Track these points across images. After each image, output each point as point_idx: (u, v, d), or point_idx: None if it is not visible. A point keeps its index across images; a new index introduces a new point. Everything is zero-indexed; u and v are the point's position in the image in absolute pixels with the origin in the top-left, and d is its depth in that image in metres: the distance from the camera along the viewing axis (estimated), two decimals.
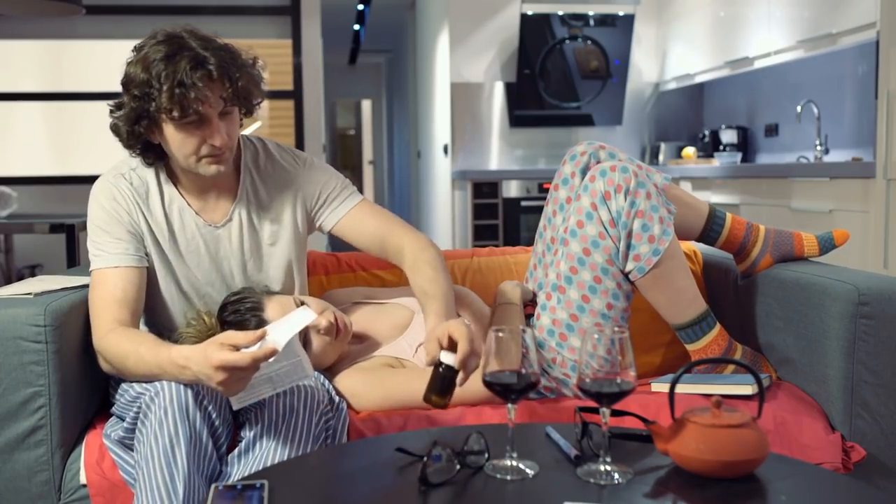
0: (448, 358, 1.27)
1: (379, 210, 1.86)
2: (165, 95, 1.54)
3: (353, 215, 1.83)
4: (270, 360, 1.36)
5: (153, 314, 1.79)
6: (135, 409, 1.55)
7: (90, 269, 1.70)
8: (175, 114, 1.56)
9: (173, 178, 1.76)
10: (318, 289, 2.18)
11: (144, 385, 1.56)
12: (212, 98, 1.58)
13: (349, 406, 1.72)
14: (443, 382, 1.28)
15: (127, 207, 1.72)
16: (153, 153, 1.71)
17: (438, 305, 1.63)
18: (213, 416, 1.55)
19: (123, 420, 1.62)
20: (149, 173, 1.75)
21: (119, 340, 1.57)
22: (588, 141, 1.96)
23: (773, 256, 1.95)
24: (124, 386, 1.65)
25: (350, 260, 2.27)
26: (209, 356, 1.36)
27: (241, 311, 1.71)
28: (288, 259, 1.84)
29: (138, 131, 1.63)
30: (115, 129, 1.65)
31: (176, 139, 1.62)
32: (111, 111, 1.65)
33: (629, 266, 1.75)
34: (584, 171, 1.90)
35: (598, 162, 1.91)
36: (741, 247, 1.96)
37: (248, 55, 1.69)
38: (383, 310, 1.95)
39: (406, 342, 1.84)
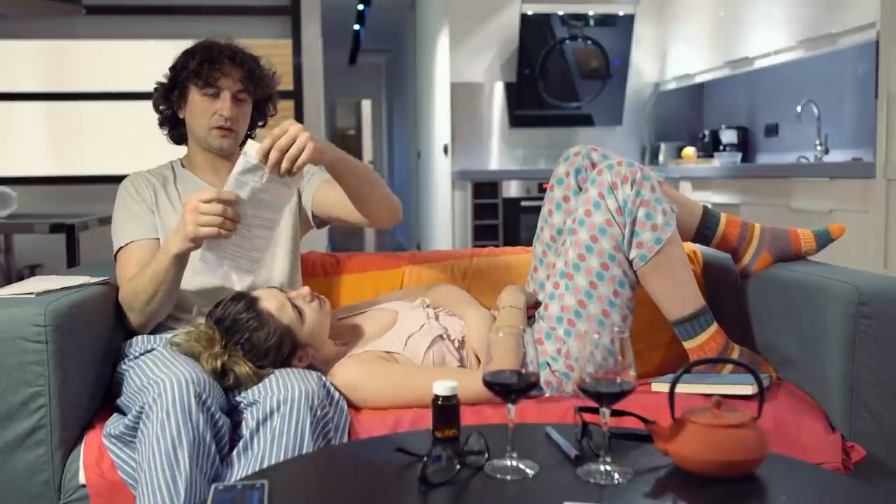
0: (441, 388, 1.28)
1: None
2: (195, 64, 1.90)
3: (326, 179, 2.01)
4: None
5: None
6: (138, 406, 1.55)
7: (114, 251, 1.92)
8: (199, 82, 1.90)
9: (191, 167, 2.04)
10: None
11: (150, 378, 1.58)
12: (231, 75, 1.92)
13: (349, 403, 1.72)
14: (443, 414, 1.28)
15: (146, 194, 1.95)
16: (178, 131, 2.03)
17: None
18: (216, 417, 1.55)
19: (126, 414, 1.63)
20: (167, 169, 2.04)
21: (135, 276, 1.80)
22: (581, 144, 2.00)
23: (771, 253, 1.96)
24: (130, 374, 1.67)
25: (350, 261, 2.28)
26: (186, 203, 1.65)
27: (224, 302, 1.73)
28: (288, 230, 2.01)
29: (170, 102, 1.98)
30: (154, 103, 2.02)
31: (196, 107, 1.93)
32: (154, 89, 2.01)
33: (632, 253, 1.79)
34: (577, 172, 1.95)
35: (592, 162, 1.95)
36: (737, 245, 1.96)
37: (270, 68, 2.05)
38: (367, 315, 1.99)
39: (395, 336, 1.85)
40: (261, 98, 2.02)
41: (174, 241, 1.69)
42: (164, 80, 1.99)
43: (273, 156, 1.60)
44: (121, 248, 1.90)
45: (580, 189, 1.94)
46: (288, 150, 1.60)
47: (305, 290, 1.80)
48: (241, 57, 1.94)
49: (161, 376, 1.55)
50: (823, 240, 1.96)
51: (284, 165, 1.60)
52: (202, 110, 1.93)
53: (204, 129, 1.94)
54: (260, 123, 2.08)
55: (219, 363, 1.63)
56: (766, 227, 1.99)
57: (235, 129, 1.95)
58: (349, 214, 1.96)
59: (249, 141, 1.64)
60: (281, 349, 1.70)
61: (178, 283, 1.77)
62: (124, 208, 1.94)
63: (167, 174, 2.02)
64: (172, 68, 1.96)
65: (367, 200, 1.88)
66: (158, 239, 1.90)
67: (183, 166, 2.05)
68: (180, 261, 1.72)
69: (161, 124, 2.04)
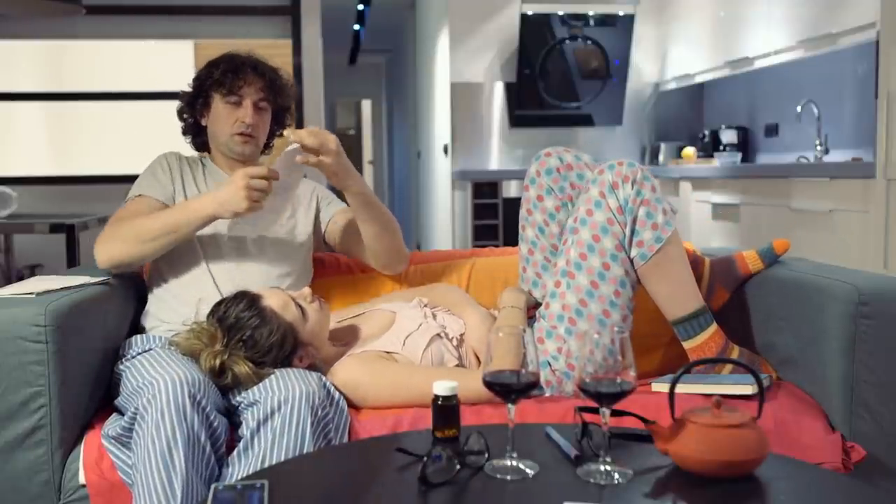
0: (441, 388, 1.28)
1: None
2: (219, 73, 2.00)
3: (346, 210, 2.13)
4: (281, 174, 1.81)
5: (169, 267, 1.95)
6: (133, 407, 1.55)
7: (125, 200, 1.99)
8: (223, 90, 2.00)
9: (217, 164, 2.11)
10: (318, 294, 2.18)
11: (145, 379, 1.58)
12: (253, 84, 2.02)
13: (349, 402, 1.72)
14: (443, 414, 1.29)
15: (174, 166, 2.05)
16: (200, 139, 2.12)
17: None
18: (211, 417, 1.56)
19: (123, 414, 1.63)
20: (196, 159, 2.13)
21: (143, 216, 1.87)
22: (553, 146, 2.03)
23: (725, 286, 1.99)
24: (127, 375, 1.68)
25: (350, 261, 2.28)
26: (235, 173, 1.79)
27: (226, 301, 1.75)
28: (306, 236, 2.09)
29: (193, 111, 2.08)
30: (178, 112, 2.11)
31: (219, 115, 2.03)
32: (179, 97, 2.11)
33: (633, 252, 1.79)
34: (549, 172, 1.97)
35: (566, 163, 1.97)
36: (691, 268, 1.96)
37: (288, 80, 2.13)
38: (365, 316, 2.00)
39: (394, 336, 1.86)
40: (279, 108, 2.12)
41: (211, 205, 1.80)
42: (188, 90, 2.08)
43: (311, 141, 1.77)
44: (131, 198, 1.98)
45: (551, 189, 1.95)
46: (317, 148, 1.78)
47: (307, 290, 1.83)
48: (263, 68, 2.05)
49: (156, 377, 1.56)
50: (769, 257, 1.98)
51: (310, 140, 1.76)
52: (225, 117, 2.02)
53: (226, 135, 2.03)
54: (278, 133, 2.17)
55: (217, 361, 1.63)
56: (713, 260, 2.01)
57: (256, 136, 2.05)
58: (355, 249, 2.10)
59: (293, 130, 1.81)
60: (283, 347, 1.71)
61: (179, 242, 1.85)
62: (149, 172, 2.04)
63: (197, 160, 2.12)
64: (197, 78, 2.06)
65: (377, 238, 2.01)
66: (164, 202, 1.97)
67: (211, 160, 2.14)
68: (206, 223, 1.84)
69: (184, 132, 2.14)
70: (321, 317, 1.80)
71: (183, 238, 1.85)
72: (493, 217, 5.38)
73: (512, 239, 5.28)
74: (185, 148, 2.17)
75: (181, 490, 1.46)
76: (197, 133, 2.12)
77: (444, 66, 6.03)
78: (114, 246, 1.84)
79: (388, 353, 1.82)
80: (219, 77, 2.01)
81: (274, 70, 2.08)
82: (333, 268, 2.27)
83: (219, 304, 1.75)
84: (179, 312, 1.89)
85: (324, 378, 1.69)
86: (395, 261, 2.09)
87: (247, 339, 1.68)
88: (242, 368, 1.64)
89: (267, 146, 2.17)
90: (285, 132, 1.86)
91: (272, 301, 1.73)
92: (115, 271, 1.90)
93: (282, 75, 2.10)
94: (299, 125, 5.83)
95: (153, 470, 1.47)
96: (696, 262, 1.99)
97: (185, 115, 2.11)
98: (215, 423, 1.56)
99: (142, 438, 1.50)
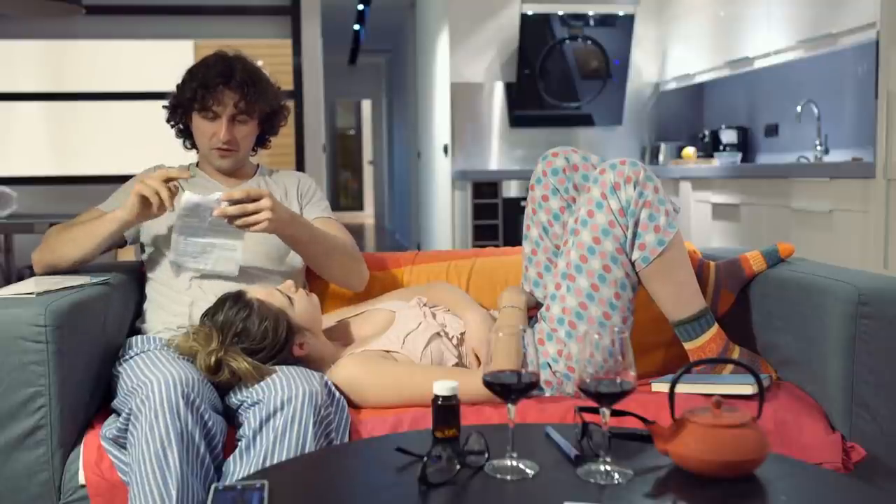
0: (441, 388, 1.29)
1: (338, 226, 2.13)
2: (191, 90, 1.98)
3: (324, 221, 2.10)
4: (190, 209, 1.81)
5: (161, 273, 1.98)
6: (128, 408, 1.56)
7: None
8: (196, 106, 1.98)
9: (205, 170, 2.12)
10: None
11: (139, 379, 1.59)
12: (225, 101, 1.97)
13: (349, 402, 1.72)
14: (443, 414, 1.29)
15: None
16: (190, 140, 2.11)
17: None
18: (206, 417, 1.56)
19: (120, 415, 1.63)
20: (184, 168, 2.07)
21: (71, 224, 1.95)
22: (564, 145, 2.03)
23: (731, 289, 1.98)
24: (123, 376, 1.68)
25: None
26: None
27: (215, 307, 1.76)
28: None
29: (176, 117, 2.07)
30: (166, 120, 2.10)
31: (197, 128, 2.03)
32: (164, 107, 2.08)
33: (634, 255, 1.79)
34: (555, 172, 1.96)
35: (572, 164, 1.96)
36: (697, 274, 1.95)
37: (275, 85, 2.11)
38: (365, 316, 2.01)
39: (394, 334, 1.86)
40: (265, 113, 2.07)
41: (120, 211, 1.85)
42: (169, 102, 2.06)
43: (234, 210, 1.75)
44: (95, 208, 2.05)
45: (557, 189, 1.95)
46: (249, 214, 1.76)
47: (289, 282, 1.86)
48: (238, 80, 1.97)
49: (150, 377, 1.56)
50: (772, 259, 1.97)
51: (239, 221, 1.76)
52: (202, 132, 2.02)
53: (205, 148, 2.04)
54: (269, 138, 2.16)
55: (212, 359, 1.64)
56: (718, 264, 2.00)
57: (235, 149, 2.04)
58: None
59: (188, 194, 1.82)
60: (277, 331, 1.73)
61: (98, 251, 1.91)
62: (124, 189, 2.06)
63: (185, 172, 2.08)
64: (176, 88, 2.03)
65: (322, 267, 2.02)
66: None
67: (198, 166, 2.14)
68: (120, 226, 1.84)
69: (177, 136, 2.13)
70: (308, 304, 1.82)
71: (103, 242, 1.87)
72: (493, 217, 5.38)
73: (512, 239, 5.28)
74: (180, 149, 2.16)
75: (176, 489, 1.46)
76: (189, 136, 2.11)
77: (444, 66, 6.04)
78: (39, 251, 1.93)
79: (387, 351, 1.82)
80: (190, 95, 1.98)
81: (252, 78, 2.00)
82: None
83: (206, 312, 1.76)
84: (174, 312, 1.90)
85: (327, 380, 1.70)
86: (346, 277, 2.07)
87: (240, 332, 1.70)
88: (241, 365, 1.64)
89: (262, 146, 2.17)
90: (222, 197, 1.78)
91: (256, 293, 1.78)
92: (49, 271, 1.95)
93: (261, 80, 2.03)
94: (299, 125, 5.84)
95: (148, 470, 1.47)
96: (701, 267, 1.98)
97: (171, 124, 2.09)
98: (210, 423, 1.56)
99: (136, 439, 1.50)
